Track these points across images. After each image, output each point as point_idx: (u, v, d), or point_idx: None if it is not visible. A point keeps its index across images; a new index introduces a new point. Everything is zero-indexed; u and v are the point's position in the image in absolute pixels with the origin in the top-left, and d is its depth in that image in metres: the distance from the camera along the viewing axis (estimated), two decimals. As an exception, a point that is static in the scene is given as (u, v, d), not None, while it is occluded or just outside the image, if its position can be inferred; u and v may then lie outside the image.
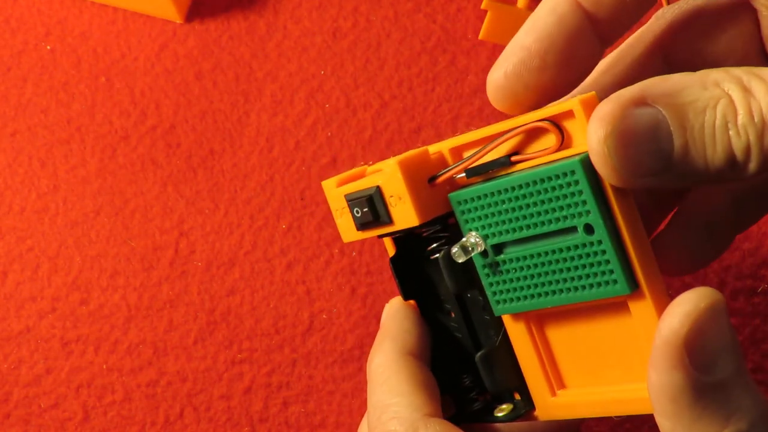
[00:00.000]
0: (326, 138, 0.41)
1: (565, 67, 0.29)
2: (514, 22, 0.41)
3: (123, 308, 0.39)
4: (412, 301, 0.33)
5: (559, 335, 0.33)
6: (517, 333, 0.32)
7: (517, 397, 0.33)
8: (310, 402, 0.38)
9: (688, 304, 0.26)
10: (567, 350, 0.33)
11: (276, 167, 0.41)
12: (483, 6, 0.41)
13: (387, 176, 0.30)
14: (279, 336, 0.39)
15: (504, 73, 0.29)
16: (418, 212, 0.29)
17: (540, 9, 0.28)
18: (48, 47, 0.42)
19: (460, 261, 0.30)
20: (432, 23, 0.43)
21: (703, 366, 0.26)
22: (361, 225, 0.30)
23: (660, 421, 0.27)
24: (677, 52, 0.31)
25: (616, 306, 0.32)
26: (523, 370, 0.32)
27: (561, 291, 0.31)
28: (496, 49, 0.43)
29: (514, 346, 0.33)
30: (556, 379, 0.32)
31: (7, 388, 0.38)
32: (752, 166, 0.25)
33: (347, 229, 0.31)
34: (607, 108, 0.27)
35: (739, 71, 0.26)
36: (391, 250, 0.33)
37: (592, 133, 0.27)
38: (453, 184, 0.31)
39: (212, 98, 0.42)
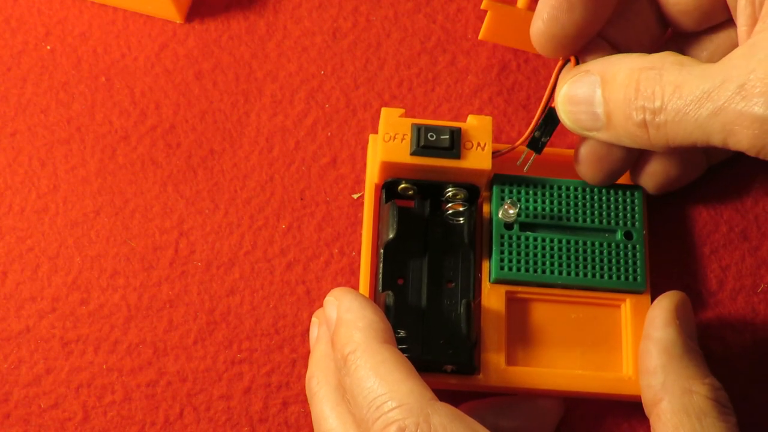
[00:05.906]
0: (326, 138, 0.41)
1: (590, 5, 0.34)
2: (514, 22, 0.41)
3: (123, 308, 0.39)
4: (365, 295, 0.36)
5: (542, 316, 0.37)
6: (496, 303, 0.36)
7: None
8: (310, 402, 0.38)
9: (672, 293, 0.35)
10: (543, 330, 0.37)
11: (276, 167, 0.41)
12: (483, 6, 0.41)
13: (476, 127, 0.36)
14: (279, 336, 0.39)
15: (542, 20, 0.34)
16: (491, 162, 0.35)
17: None
18: (48, 47, 0.42)
19: (507, 219, 0.36)
20: (432, 23, 0.43)
21: (687, 332, 0.34)
22: (423, 149, 0.35)
23: (650, 382, 0.33)
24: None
25: (610, 304, 0.37)
26: (485, 338, 0.36)
27: (578, 274, 0.36)
28: (496, 49, 0.43)
29: (484, 316, 0.36)
30: (517, 352, 0.36)
31: (7, 388, 0.38)
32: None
33: (393, 152, 0.36)
34: (566, 76, 0.34)
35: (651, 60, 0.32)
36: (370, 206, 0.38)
37: (557, 91, 0.34)
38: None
39: (212, 98, 0.42)
